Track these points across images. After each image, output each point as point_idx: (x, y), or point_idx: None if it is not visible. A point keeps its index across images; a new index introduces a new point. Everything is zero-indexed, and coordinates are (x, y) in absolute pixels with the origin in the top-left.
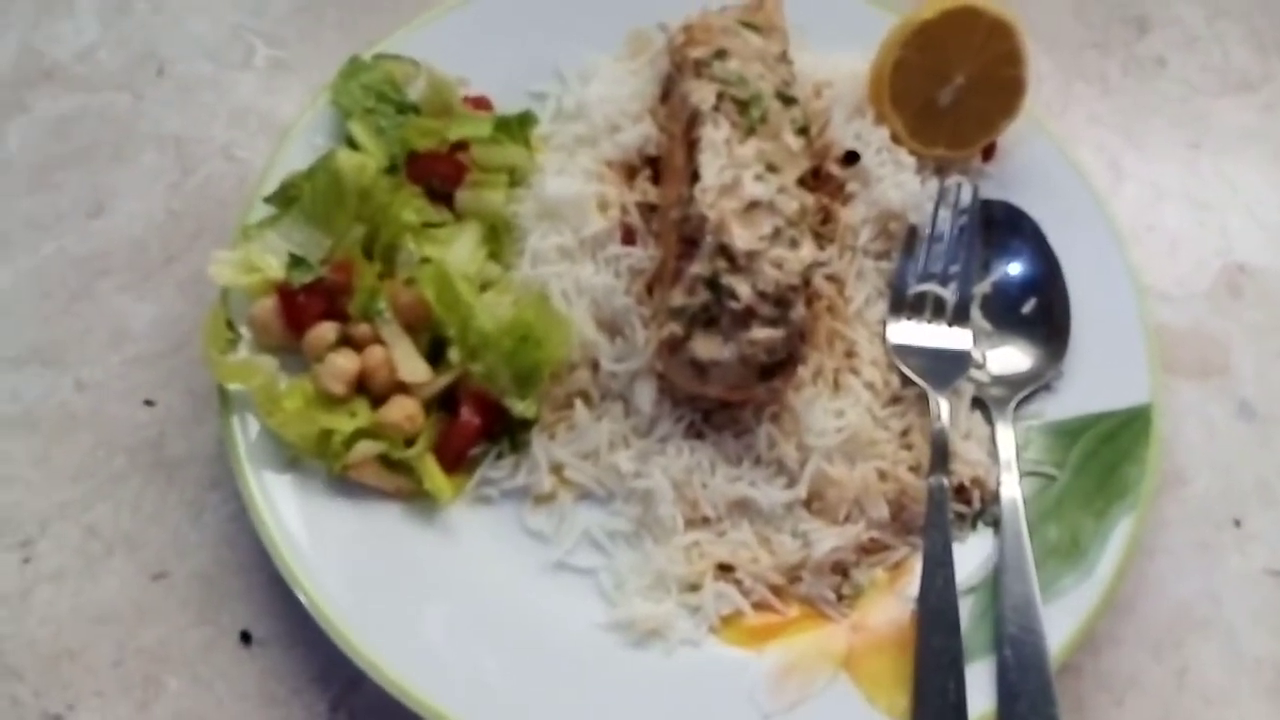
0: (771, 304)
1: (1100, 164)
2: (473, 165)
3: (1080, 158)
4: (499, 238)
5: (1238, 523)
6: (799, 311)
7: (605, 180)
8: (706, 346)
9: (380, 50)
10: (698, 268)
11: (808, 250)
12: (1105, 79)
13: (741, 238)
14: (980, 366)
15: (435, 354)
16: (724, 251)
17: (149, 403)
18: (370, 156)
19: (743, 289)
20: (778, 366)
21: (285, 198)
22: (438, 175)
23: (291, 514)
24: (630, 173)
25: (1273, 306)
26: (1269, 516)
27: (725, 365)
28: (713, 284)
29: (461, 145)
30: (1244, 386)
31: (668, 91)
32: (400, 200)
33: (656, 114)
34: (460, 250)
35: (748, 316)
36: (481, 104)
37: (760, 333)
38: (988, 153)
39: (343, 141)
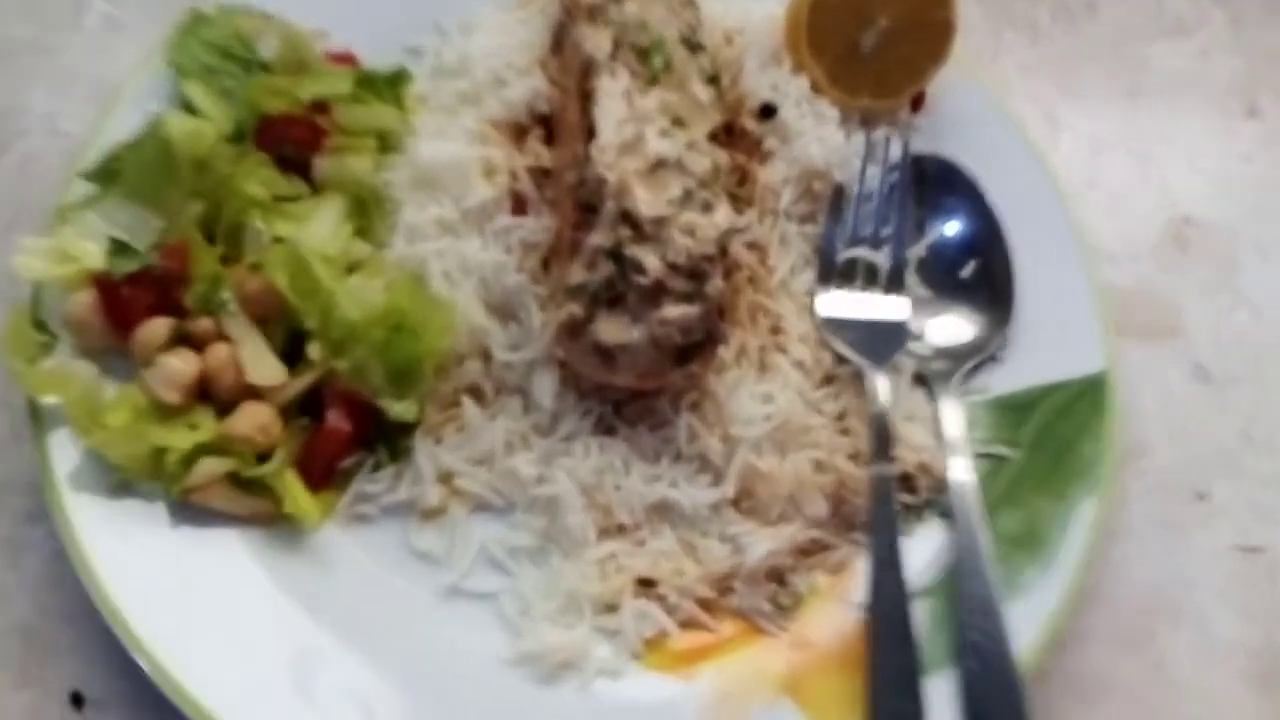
0: (684, 277)
1: (1035, 115)
2: (334, 129)
3: (1014, 109)
4: (367, 211)
5: (1202, 496)
6: (716, 284)
7: (490, 142)
8: (612, 329)
9: (225, 1)
10: (598, 238)
11: (723, 214)
12: (1034, 26)
13: (646, 202)
14: (919, 338)
15: (294, 351)
16: (627, 218)
17: None
18: (207, 121)
19: (650, 261)
20: (695, 348)
21: (107, 173)
22: (291, 141)
23: (123, 551)
24: (519, 133)
25: (1221, 260)
26: (1233, 487)
27: (635, 349)
28: (616, 256)
29: (321, 107)
30: (1198, 348)
31: (560, 41)
32: (244, 171)
33: (548, 66)
34: (319, 227)
35: (657, 292)
36: (345, 61)
37: (673, 310)
38: (916, 103)
39: (179, 107)
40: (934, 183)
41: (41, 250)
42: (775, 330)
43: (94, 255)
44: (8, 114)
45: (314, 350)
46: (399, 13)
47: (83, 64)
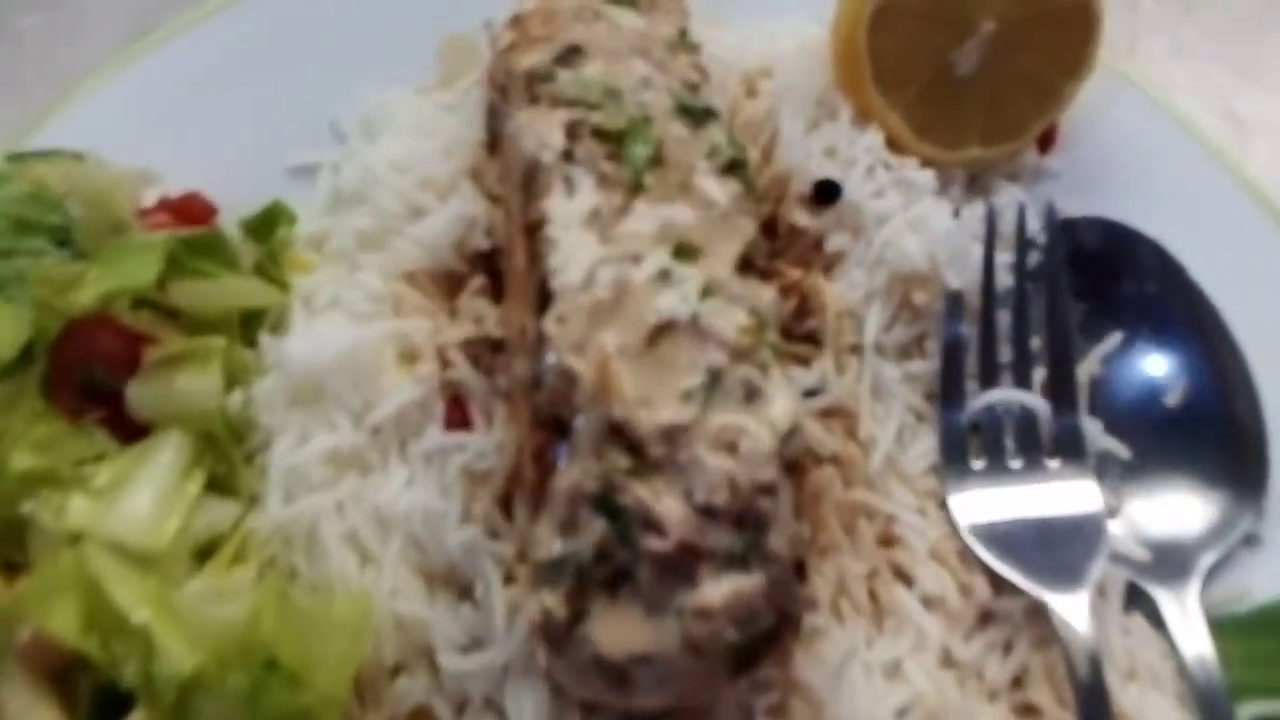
0: (728, 527)
1: (1209, 115)
2: (161, 330)
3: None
4: (221, 453)
5: None
6: (788, 529)
7: (406, 309)
8: (616, 630)
9: (21, 147)
10: (575, 475)
11: (783, 403)
12: None
13: (646, 404)
14: (1115, 515)
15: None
16: (618, 435)
17: None
18: None
19: (667, 507)
20: (764, 641)
21: None
22: (98, 358)
23: None
24: (450, 287)
25: None
26: None
27: (659, 661)
28: (608, 505)
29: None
30: None
31: (496, 135)
32: (11, 434)
33: (483, 176)
34: (135, 504)
35: (685, 561)
36: (186, 212)
37: (714, 590)
38: (1045, 141)
39: None
40: (1097, 259)
41: None
42: (887, 541)
43: None
44: None
45: (138, 718)
46: (285, 113)
47: None
